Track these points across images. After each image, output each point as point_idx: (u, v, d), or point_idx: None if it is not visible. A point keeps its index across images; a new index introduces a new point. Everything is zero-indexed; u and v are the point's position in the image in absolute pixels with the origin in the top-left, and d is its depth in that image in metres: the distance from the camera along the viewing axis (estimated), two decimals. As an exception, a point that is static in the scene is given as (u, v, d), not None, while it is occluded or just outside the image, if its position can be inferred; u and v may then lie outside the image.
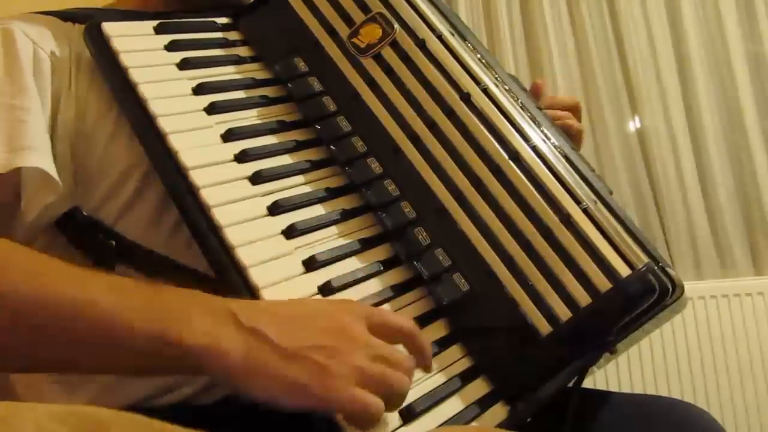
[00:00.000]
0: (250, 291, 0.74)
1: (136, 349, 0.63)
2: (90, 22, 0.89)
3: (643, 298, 0.75)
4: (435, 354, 0.76)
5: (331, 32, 0.94)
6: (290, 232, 0.79)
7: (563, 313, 0.75)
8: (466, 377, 0.75)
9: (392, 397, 0.66)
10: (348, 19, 0.94)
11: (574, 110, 1.12)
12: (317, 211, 0.83)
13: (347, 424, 0.66)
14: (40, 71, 0.85)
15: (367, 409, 0.63)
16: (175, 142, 0.81)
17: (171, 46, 0.91)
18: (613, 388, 0.95)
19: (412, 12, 0.92)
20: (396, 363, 0.66)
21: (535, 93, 1.10)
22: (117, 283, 0.66)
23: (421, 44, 0.90)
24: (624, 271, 0.76)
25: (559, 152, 0.85)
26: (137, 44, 0.89)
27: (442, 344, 0.77)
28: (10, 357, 0.66)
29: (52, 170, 0.80)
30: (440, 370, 0.75)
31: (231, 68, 0.93)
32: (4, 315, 0.63)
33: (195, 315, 0.64)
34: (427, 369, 0.73)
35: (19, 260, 0.67)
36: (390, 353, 0.67)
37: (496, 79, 0.90)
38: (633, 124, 2.49)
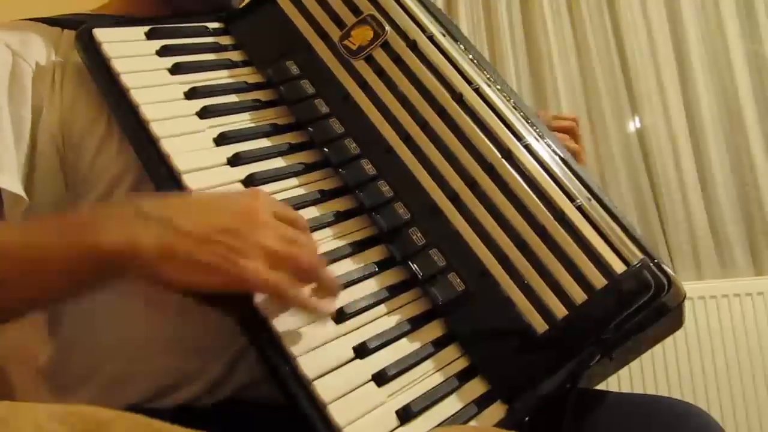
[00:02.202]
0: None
1: (58, 266, 0.66)
2: (81, 27, 0.89)
3: (638, 294, 0.75)
4: (432, 354, 0.76)
5: (323, 35, 0.94)
6: (285, 235, 0.79)
7: (559, 311, 0.75)
8: (463, 377, 0.75)
9: (301, 273, 0.70)
10: (339, 22, 0.94)
11: (572, 132, 1.12)
12: (311, 213, 0.83)
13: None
14: (18, 83, 0.85)
15: (275, 284, 0.67)
16: (168, 146, 0.81)
17: (162, 51, 0.91)
18: (613, 388, 0.95)
19: (403, 13, 0.92)
20: (300, 242, 0.70)
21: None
22: (25, 223, 0.72)
23: (413, 45, 0.90)
24: (619, 267, 0.76)
25: (552, 151, 0.85)
26: (129, 50, 0.89)
27: (438, 344, 0.77)
28: None
29: (16, 188, 0.81)
30: (437, 370, 0.75)
31: (223, 72, 0.93)
32: None
33: (106, 221, 0.67)
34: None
35: None
36: (294, 233, 0.71)
37: (488, 79, 0.90)
38: (633, 124, 2.49)
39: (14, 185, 0.81)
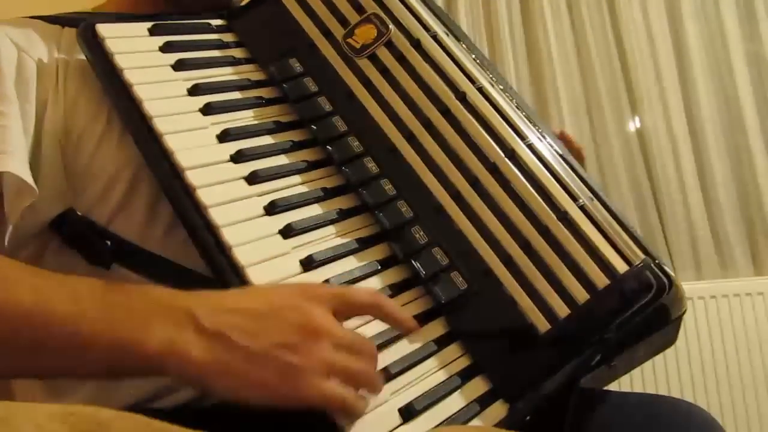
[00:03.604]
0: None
1: (96, 356, 0.63)
2: (84, 23, 0.89)
3: (640, 294, 0.75)
4: (434, 352, 0.76)
5: (326, 33, 0.94)
6: (287, 232, 0.79)
7: (561, 310, 0.75)
8: (465, 375, 0.75)
9: (357, 384, 0.67)
10: (343, 20, 0.94)
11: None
12: (314, 210, 0.83)
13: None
14: (23, 78, 0.85)
15: (336, 402, 0.64)
16: (171, 142, 0.81)
17: (166, 48, 0.91)
18: (614, 388, 0.95)
19: (407, 12, 0.93)
20: (357, 351, 0.67)
21: None
22: (74, 289, 0.65)
23: (416, 44, 0.90)
24: (621, 267, 0.76)
25: (554, 151, 0.85)
26: (132, 45, 0.89)
27: (441, 342, 0.77)
28: None
29: (26, 176, 0.79)
30: (439, 369, 0.75)
31: (226, 69, 0.93)
32: None
33: (154, 319, 0.63)
34: (408, 331, 0.74)
35: None
36: (351, 341, 0.67)
37: (491, 79, 0.90)
38: (633, 124, 2.49)
39: (25, 173, 0.80)
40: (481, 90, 0.87)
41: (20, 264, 0.70)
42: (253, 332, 0.63)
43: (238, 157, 0.84)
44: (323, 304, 0.68)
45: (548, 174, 0.82)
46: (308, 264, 0.77)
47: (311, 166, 0.87)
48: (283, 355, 0.62)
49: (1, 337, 0.63)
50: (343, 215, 0.84)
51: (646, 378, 2.22)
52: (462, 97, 0.87)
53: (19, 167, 0.79)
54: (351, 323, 0.72)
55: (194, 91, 0.88)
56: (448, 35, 0.92)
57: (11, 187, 0.80)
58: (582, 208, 0.79)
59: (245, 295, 0.70)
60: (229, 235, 0.76)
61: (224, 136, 0.85)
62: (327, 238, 0.81)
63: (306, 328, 0.65)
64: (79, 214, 0.84)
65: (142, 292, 0.67)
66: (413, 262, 0.80)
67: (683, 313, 0.82)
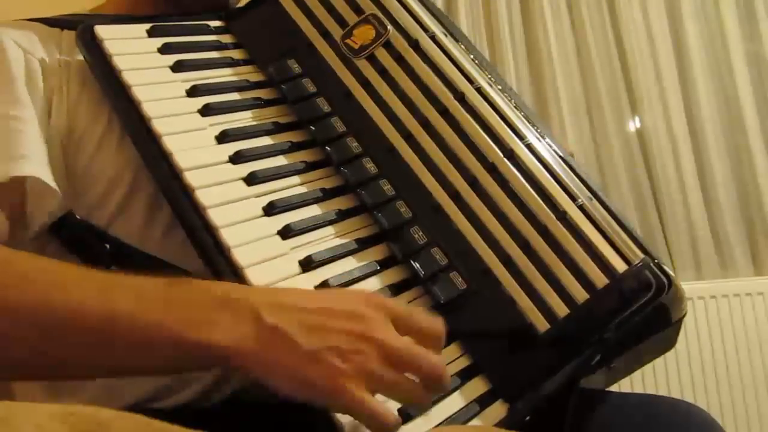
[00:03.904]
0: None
1: (163, 353, 0.64)
2: (83, 25, 0.89)
3: (639, 293, 0.75)
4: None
5: (325, 34, 0.94)
6: (286, 233, 0.79)
7: (561, 309, 0.75)
8: (464, 375, 0.75)
9: (411, 400, 0.67)
10: (341, 21, 0.94)
11: None
12: (313, 211, 0.83)
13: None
14: (31, 79, 0.85)
15: (365, 411, 0.63)
16: (170, 143, 0.81)
17: (164, 49, 0.91)
18: (614, 388, 0.95)
19: (405, 13, 0.93)
20: (409, 363, 0.66)
21: None
22: (137, 287, 0.66)
23: (415, 44, 0.90)
24: (621, 266, 0.76)
25: (553, 151, 0.85)
26: (130, 47, 0.89)
27: (440, 343, 0.77)
28: (37, 367, 0.66)
29: (48, 178, 0.80)
30: (439, 369, 0.75)
31: (225, 70, 0.93)
32: (32, 331, 0.63)
33: (216, 314, 0.64)
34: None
35: (42, 271, 0.67)
36: (404, 354, 0.66)
37: (490, 79, 0.90)
38: (633, 124, 2.49)
39: (46, 175, 0.80)
40: (479, 90, 0.87)
41: (77, 266, 0.70)
42: (311, 333, 0.64)
43: (236, 158, 0.84)
44: (385, 314, 0.67)
45: (547, 174, 0.82)
46: (307, 265, 0.77)
47: (310, 166, 0.87)
48: (331, 359, 0.63)
49: (68, 339, 0.63)
50: (342, 216, 0.84)
51: (646, 378, 2.22)
52: (460, 97, 0.87)
53: (40, 170, 0.80)
54: None
55: (193, 92, 0.88)
56: (446, 35, 0.92)
57: (34, 190, 0.80)
58: (581, 208, 0.79)
59: (307, 295, 0.71)
60: (227, 236, 0.76)
61: (223, 137, 0.85)
62: (326, 239, 0.81)
63: (359, 336, 0.64)
64: (78, 217, 0.84)
65: (204, 287, 0.67)
66: (412, 262, 0.80)
67: (683, 315, 0.82)
